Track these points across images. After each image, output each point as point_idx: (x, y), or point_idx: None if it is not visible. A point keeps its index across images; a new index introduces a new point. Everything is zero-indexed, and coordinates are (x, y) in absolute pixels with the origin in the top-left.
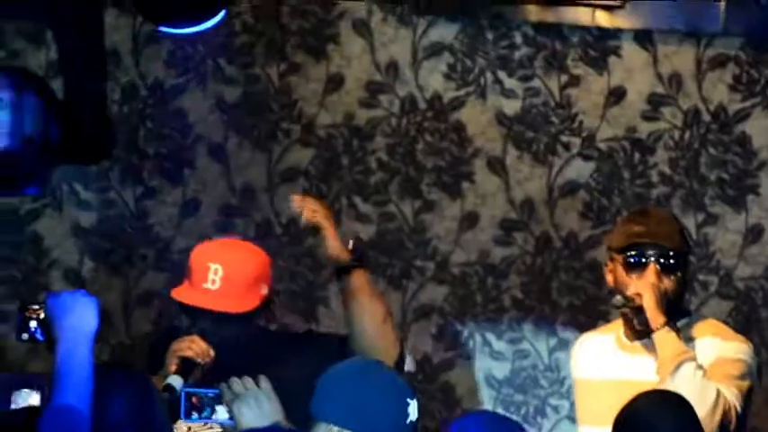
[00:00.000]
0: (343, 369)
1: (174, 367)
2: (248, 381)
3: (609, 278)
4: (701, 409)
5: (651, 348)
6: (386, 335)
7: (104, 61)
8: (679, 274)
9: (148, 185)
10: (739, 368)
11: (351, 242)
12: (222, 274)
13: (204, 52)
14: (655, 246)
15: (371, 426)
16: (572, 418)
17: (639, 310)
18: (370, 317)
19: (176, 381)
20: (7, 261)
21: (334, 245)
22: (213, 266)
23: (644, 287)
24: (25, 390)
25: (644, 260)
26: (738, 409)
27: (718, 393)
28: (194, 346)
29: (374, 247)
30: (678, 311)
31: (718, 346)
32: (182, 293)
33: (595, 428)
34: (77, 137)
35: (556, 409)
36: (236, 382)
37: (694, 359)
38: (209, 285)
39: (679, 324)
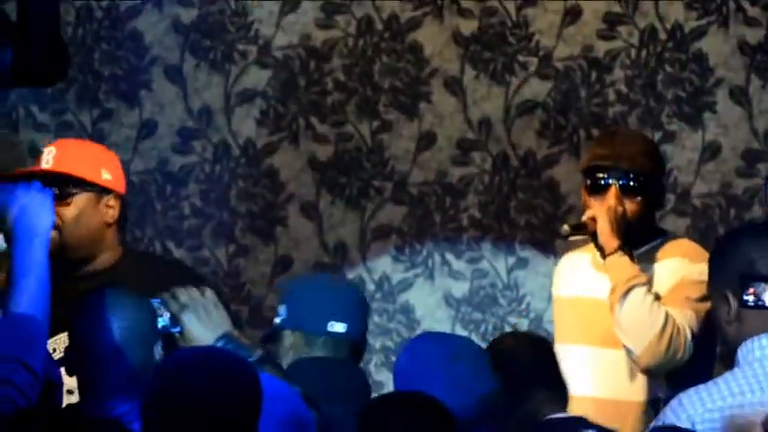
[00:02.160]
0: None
1: None
2: (193, 290)
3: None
4: (649, 333)
5: None
6: None
7: None
8: (640, 197)
9: (105, 107)
10: (701, 290)
11: None
12: (56, 153)
13: None
14: (615, 168)
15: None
16: None
17: (595, 235)
18: None
19: None
20: None
21: None
22: (47, 149)
23: (599, 211)
24: None
25: (604, 183)
26: (689, 333)
27: (667, 318)
28: None
29: (332, 167)
30: (649, 233)
31: (683, 267)
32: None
33: (568, 346)
34: (31, 59)
35: (515, 327)
36: (180, 292)
37: (645, 284)
38: (42, 165)
39: (651, 245)
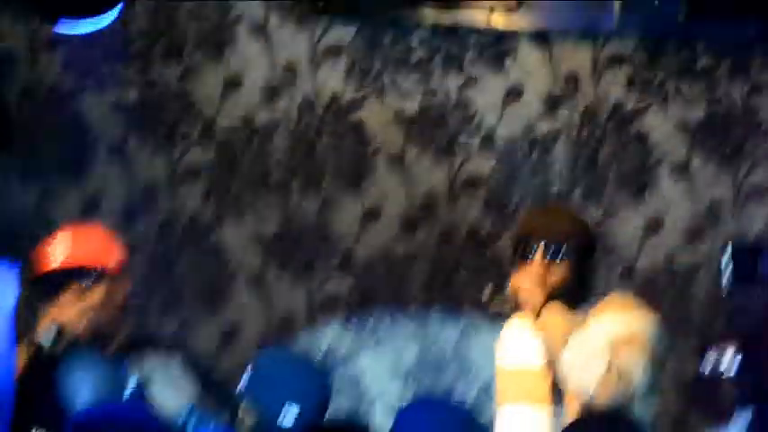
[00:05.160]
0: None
1: None
2: (162, 358)
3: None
4: (597, 370)
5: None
6: None
7: None
8: (567, 261)
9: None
10: (642, 340)
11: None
12: (72, 245)
13: None
14: (539, 238)
15: None
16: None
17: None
18: None
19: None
20: None
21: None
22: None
23: (522, 280)
24: None
25: (530, 253)
26: (638, 370)
27: (611, 355)
28: None
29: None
30: (579, 297)
31: (621, 320)
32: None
33: (511, 406)
34: None
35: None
36: (146, 360)
37: (580, 333)
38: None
39: (584, 307)
